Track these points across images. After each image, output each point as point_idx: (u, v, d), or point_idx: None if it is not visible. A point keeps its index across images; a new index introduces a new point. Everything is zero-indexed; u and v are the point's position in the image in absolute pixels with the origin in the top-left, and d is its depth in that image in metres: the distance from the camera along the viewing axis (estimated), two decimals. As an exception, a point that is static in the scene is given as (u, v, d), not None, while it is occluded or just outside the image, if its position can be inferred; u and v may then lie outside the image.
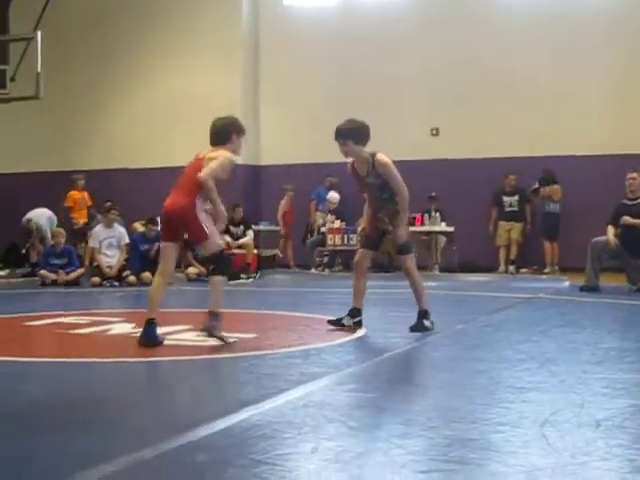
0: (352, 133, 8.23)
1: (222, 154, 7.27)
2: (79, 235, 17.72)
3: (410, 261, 8.01)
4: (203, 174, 7.05)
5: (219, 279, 7.14)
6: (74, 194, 18.32)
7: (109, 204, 15.90)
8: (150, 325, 6.96)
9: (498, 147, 18.40)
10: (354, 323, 7.84)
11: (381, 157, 8.08)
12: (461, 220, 17.63)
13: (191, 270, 15.41)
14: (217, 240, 7.27)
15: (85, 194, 18.39)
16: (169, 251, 7.30)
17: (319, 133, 19.70)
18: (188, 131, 20.24)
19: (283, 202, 19.41)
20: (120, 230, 14.98)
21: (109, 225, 14.91)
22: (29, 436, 4.04)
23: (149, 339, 6.91)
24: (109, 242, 14.74)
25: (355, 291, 8.04)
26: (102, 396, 5.11)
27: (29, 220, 17.48)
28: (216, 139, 7.48)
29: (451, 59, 18.97)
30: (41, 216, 17.59)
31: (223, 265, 7.28)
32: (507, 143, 18.39)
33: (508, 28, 18.86)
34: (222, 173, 7.29)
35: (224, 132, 7.49)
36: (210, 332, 6.94)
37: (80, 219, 18.18)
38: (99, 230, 14.95)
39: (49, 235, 16.69)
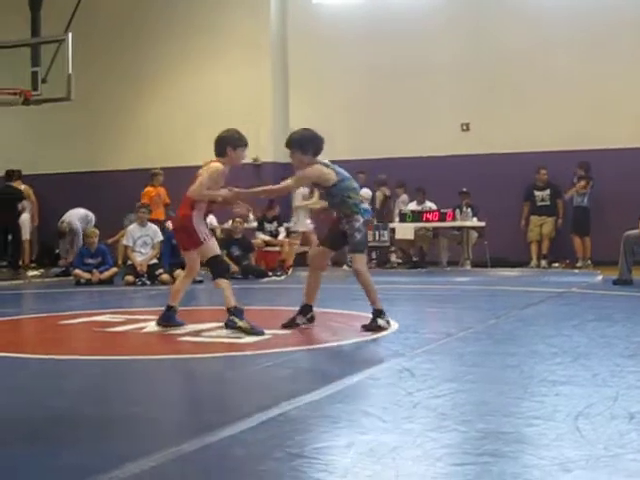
0: (299, 143, 8.24)
1: (211, 166, 7.91)
2: None
3: (360, 261, 8.03)
4: (190, 191, 7.82)
5: (220, 281, 7.68)
6: (150, 191, 17.81)
7: (140, 203, 15.96)
8: (169, 310, 7.90)
9: (529, 141, 18.35)
10: (307, 320, 7.93)
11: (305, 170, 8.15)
12: (492, 215, 17.61)
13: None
14: (213, 247, 7.85)
15: (162, 190, 17.87)
16: (190, 257, 7.96)
17: (349, 129, 19.86)
18: (219, 128, 20.34)
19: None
20: (154, 228, 15.09)
21: (142, 224, 15.02)
22: (68, 432, 4.13)
23: (165, 320, 7.87)
24: (143, 240, 14.86)
25: (307, 287, 8.16)
26: (139, 392, 5.19)
27: (62, 222, 17.70)
28: (215, 151, 8.09)
29: (481, 53, 18.96)
30: (74, 217, 17.77)
31: (219, 269, 7.83)
32: (538, 137, 18.34)
33: (540, 19, 18.77)
34: (212, 184, 7.80)
35: (219, 145, 8.08)
36: (230, 326, 7.37)
37: (155, 216, 17.81)
38: (133, 229, 15.06)
39: (81, 235, 16.85)
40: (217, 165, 7.88)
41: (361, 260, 8.02)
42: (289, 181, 8.47)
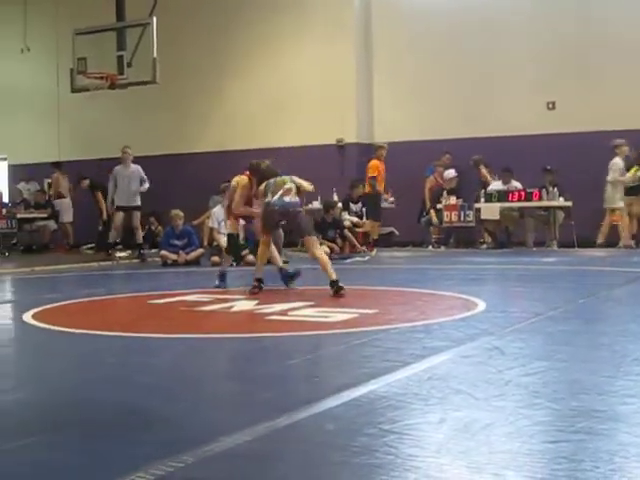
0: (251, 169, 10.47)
1: (239, 181, 10.57)
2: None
3: (310, 242, 9.79)
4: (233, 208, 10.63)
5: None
6: (377, 164, 17.86)
7: (225, 184, 16.07)
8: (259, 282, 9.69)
9: (616, 119, 17.99)
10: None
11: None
12: (579, 195, 17.35)
13: (324, 249, 15.67)
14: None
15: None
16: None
17: (433, 110, 19.75)
18: (303, 109, 20.41)
19: (432, 178, 19.20)
20: None
21: None
22: (162, 406, 4.20)
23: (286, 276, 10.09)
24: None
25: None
26: (229, 370, 5.26)
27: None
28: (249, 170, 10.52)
29: (566, 31, 18.63)
30: None
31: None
32: (625, 115, 17.98)
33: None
34: (244, 195, 10.45)
35: (256, 172, 10.33)
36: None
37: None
38: (218, 211, 15.17)
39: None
40: (240, 178, 10.58)
41: (312, 241, 9.86)
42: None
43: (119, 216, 17.21)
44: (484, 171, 18.47)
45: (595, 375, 4.65)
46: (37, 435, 3.68)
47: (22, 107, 23.74)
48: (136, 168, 17.36)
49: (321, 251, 9.93)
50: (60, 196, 21.34)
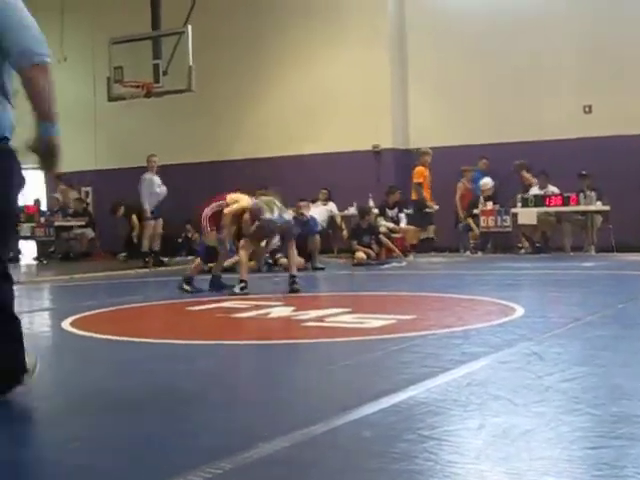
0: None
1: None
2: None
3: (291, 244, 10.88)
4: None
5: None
6: (422, 170, 17.99)
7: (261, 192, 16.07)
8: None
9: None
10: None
11: None
12: (617, 199, 17.22)
13: (359, 255, 15.71)
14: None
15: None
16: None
17: (468, 114, 19.68)
18: (338, 115, 20.41)
19: (461, 184, 19.17)
20: None
21: None
22: (200, 413, 4.21)
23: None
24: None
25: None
26: (267, 376, 5.25)
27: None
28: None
29: (603, 34, 18.51)
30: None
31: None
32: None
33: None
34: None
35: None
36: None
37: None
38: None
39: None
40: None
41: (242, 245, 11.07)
42: None
43: (157, 224, 17.51)
44: (527, 175, 18.36)
45: (635, 380, 4.62)
46: (78, 441, 3.70)
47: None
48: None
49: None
50: (67, 207, 21.67)
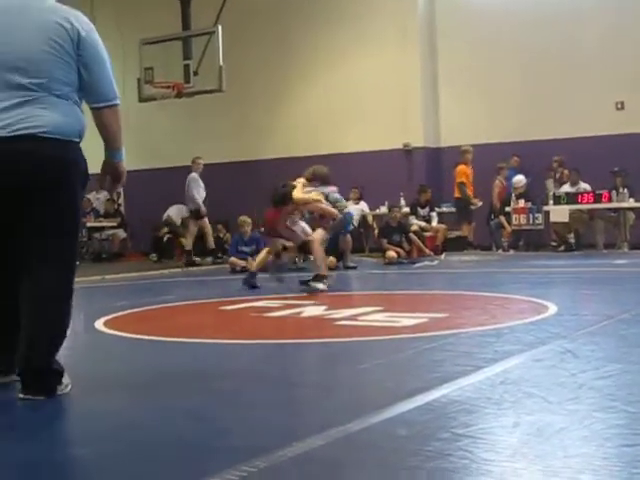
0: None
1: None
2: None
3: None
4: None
5: None
6: (464, 168, 18.13)
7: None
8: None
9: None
10: None
11: None
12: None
13: (390, 254, 15.71)
14: None
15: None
16: None
17: (499, 112, 19.60)
18: (367, 115, 20.39)
19: (497, 182, 19.09)
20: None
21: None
22: (235, 412, 4.23)
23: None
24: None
25: None
26: (302, 375, 5.27)
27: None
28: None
29: (634, 29, 18.40)
30: (173, 209, 19.62)
31: None
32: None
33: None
34: None
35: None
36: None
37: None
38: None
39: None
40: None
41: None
42: None
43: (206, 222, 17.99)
44: (566, 171, 18.28)
45: (671, 378, 4.59)
46: (108, 441, 3.72)
47: (90, 117, 24.01)
48: None
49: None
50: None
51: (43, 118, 4.51)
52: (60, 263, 4.57)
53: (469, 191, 17.99)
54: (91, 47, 4.66)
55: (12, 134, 4.43)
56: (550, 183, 18.43)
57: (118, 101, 4.93)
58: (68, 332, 4.67)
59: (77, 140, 4.75)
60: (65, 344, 4.63)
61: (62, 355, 4.65)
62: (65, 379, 4.60)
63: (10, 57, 4.50)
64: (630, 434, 3.48)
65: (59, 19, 4.58)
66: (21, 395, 4.46)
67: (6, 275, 4.66)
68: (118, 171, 4.94)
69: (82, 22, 4.67)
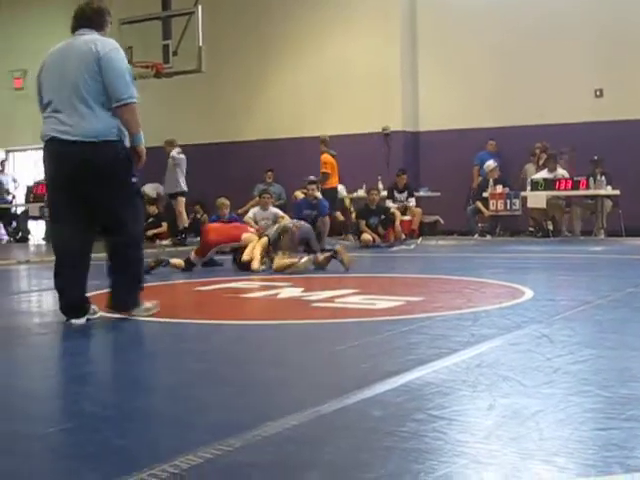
0: None
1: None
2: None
3: None
4: None
5: None
6: (327, 157, 18.30)
7: (264, 191, 15.77)
8: None
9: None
10: None
11: None
12: (627, 183, 17.17)
13: (365, 237, 15.73)
14: None
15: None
16: None
17: (478, 97, 19.62)
18: (347, 99, 20.37)
19: (476, 168, 19.12)
20: (274, 211, 14.80)
21: (265, 208, 14.80)
22: (210, 391, 4.22)
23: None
24: (265, 223, 14.56)
25: None
26: (275, 356, 5.25)
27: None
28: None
29: (615, 17, 18.41)
30: (147, 187, 19.33)
31: None
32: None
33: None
34: None
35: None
36: None
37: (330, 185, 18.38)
38: (257, 212, 14.83)
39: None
40: None
41: None
42: None
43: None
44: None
45: (645, 363, 4.60)
46: (85, 418, 3.71)
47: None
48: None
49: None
50: None
51: (84, 127, 6.28)
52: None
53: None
54: (108, 61, 6.27)
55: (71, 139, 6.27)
56: (531, 167, 18.47)
57: (132, 100, 6.48)
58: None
59: (112, 139, 6.38)
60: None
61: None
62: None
63: (66, 82, 6.28)
64: (604, 418, 3.49)
65: (89, 45, 6.30)
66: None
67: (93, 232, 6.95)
68: (138, 152, 6.54)
69: (105, 44, 6.35)
